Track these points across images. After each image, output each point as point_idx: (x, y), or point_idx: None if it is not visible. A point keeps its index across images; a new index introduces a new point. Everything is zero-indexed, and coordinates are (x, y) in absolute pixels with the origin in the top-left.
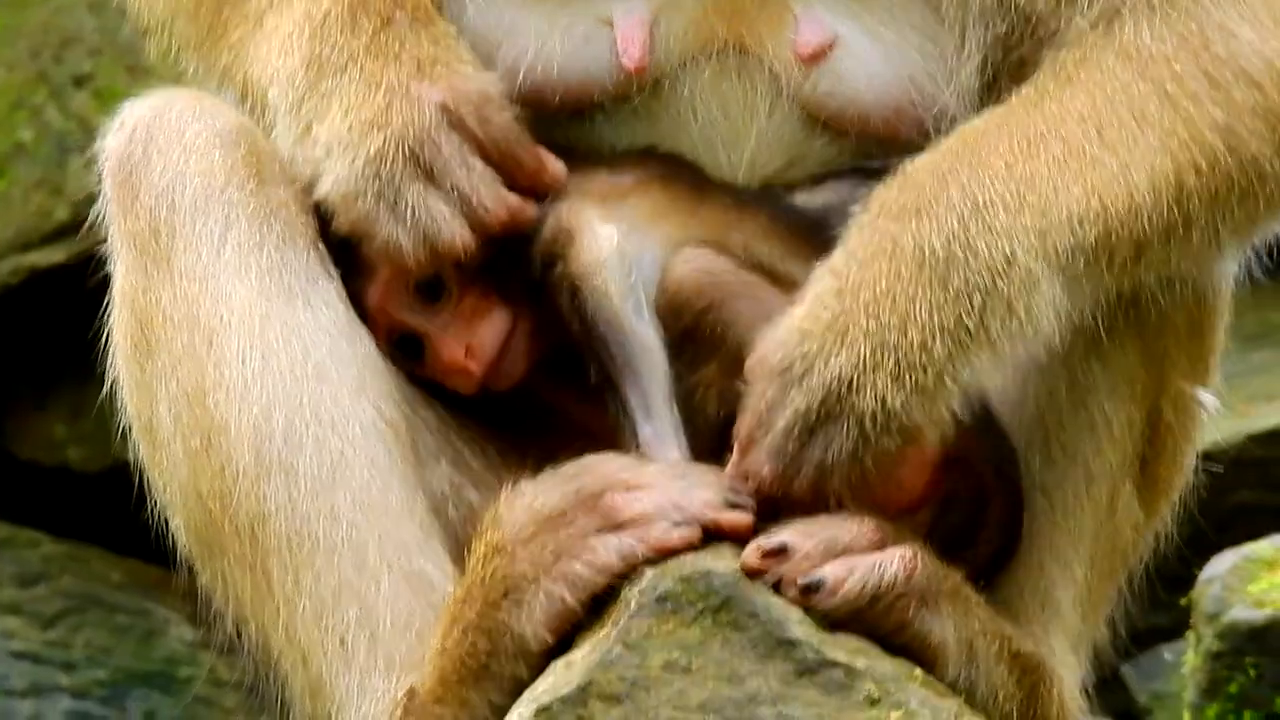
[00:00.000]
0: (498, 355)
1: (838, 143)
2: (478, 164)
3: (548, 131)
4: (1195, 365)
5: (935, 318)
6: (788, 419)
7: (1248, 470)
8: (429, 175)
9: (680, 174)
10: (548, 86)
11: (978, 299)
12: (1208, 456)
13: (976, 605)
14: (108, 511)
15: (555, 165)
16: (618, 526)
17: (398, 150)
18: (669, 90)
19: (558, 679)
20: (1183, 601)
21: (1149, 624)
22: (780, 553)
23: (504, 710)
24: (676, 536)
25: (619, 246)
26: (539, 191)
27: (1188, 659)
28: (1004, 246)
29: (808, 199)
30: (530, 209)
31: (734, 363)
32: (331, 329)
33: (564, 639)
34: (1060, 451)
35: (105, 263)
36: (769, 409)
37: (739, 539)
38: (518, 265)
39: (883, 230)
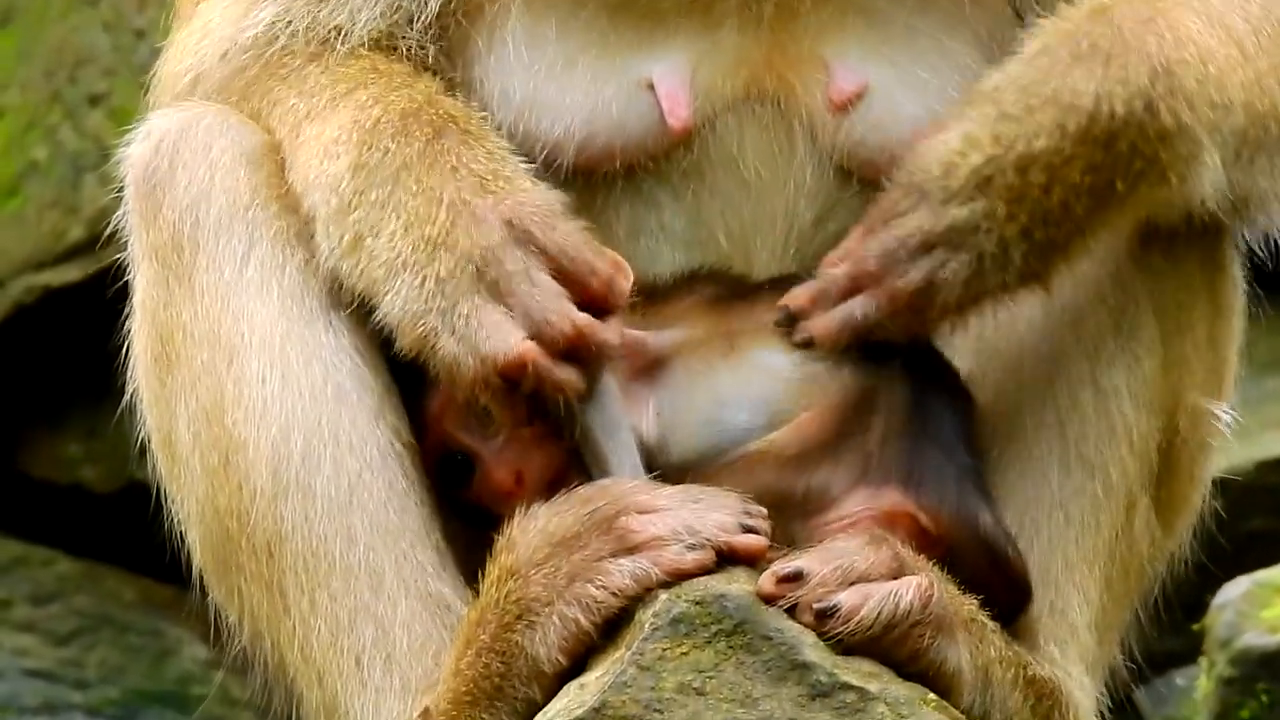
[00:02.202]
0: (548, 489)
1: (868, 192)
2: (543, 279)
3: (597, 199)
4: (1210, 378)
5: (1086, 179)
6: (909, 229)
7: (1261, 497)
8: (493, 292)
9: (721, 289)
10: (594, 154)
11: (1138, 164)
12: (1221, 483)
13: (992, 631)
14: (122, 531)
15: (625, 279)
16: (631, 549)
17: (464, 270)
18: (711, 145)
19: (571, 701)
20: (1195, 627)
21: (1162, 649)
22: (796, 578)
23: None
24: (690, 559)
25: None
26: (609, 308)
27: (1200, 684)
28: (1184, 115)
29: None
30: (600, 328)
31: None
32: (352, 351)
33: (577, 661)
34: (1079, 461)
35: (122, 277)
36: (896, 213)
37: (753, 562)
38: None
39: (1064, 69)
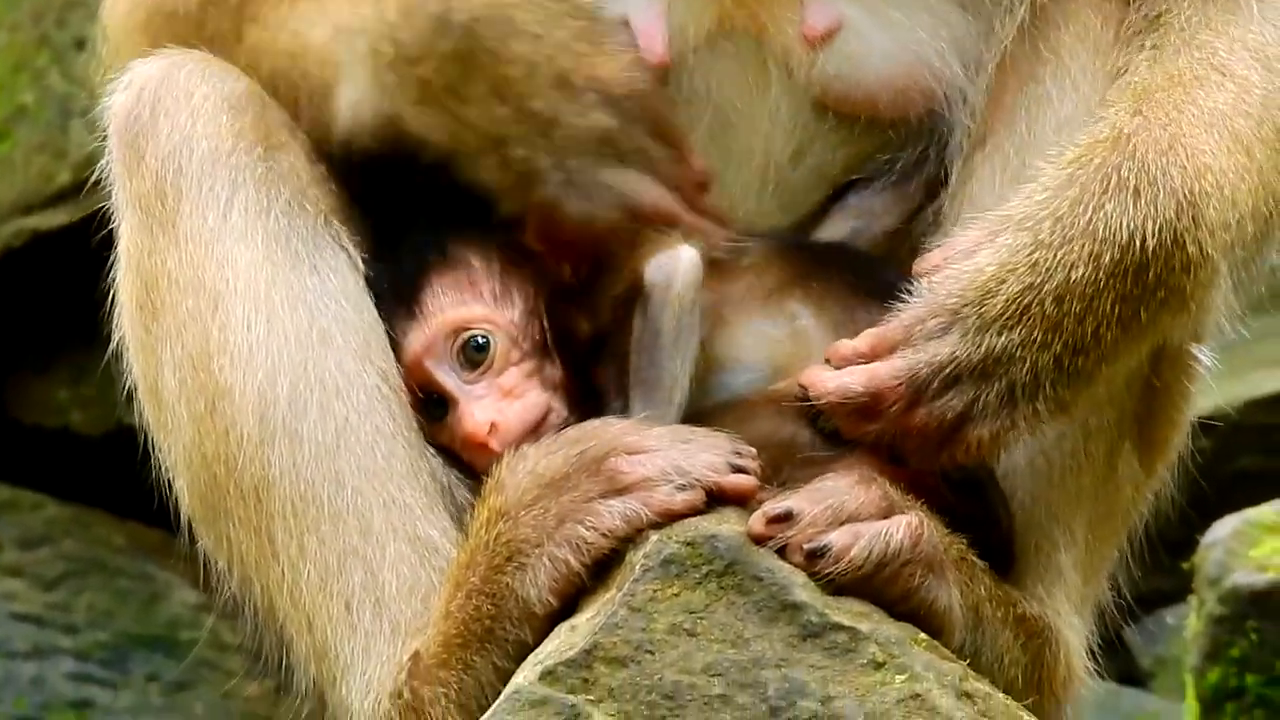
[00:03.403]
0: (522, 441)
1: (846, 127)
2: (657, 148)
3: None
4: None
5: (1116, 310)
6: (942, 356)
7: (1250, 435)
8: (619, 159)
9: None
10: None
11: (1161, 294)
12: (1210, 421)
13: (982, 571)
14: (110, 475)
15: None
16: (621, 490)
17: (582, 147)
18: (686, 79)
19: (562, 642)
20: (1185, 566)
21: (1151, 588)
22: (786, 518)
23: (508, 674)
24: (680, 500)
25: (696, 267)
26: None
27: (1190, 623)
28: (1207, 244)
29: (834, 227)
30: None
31: None
32: (338, 295)
33: (568, 603)
34: None
35: (109, 224)
36: (924, 337)
37: (743, 502)
38: (572, 344)
39: (1095, 203)
